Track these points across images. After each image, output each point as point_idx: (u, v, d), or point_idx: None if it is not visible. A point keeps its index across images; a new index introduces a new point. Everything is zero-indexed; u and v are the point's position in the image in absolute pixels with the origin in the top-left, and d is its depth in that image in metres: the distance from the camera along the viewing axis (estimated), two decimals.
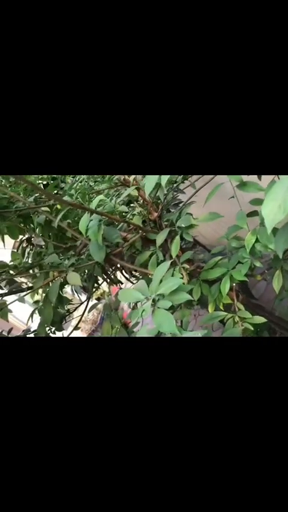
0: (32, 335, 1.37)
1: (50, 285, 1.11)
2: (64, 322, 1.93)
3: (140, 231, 1.19)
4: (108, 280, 2.12)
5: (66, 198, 1.15)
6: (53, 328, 1.73)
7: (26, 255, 1.71)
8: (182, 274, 1.10)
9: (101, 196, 0.95)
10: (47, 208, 1.40)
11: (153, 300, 0.75)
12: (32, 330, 1.40)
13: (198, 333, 0.52)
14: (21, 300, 1.27)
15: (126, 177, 1.29)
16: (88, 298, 2.00)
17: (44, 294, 1.29)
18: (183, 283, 0.88)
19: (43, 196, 1.42)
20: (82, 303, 2.21)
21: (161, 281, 0.80)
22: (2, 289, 1.36)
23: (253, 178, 1.02)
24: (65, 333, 1.84)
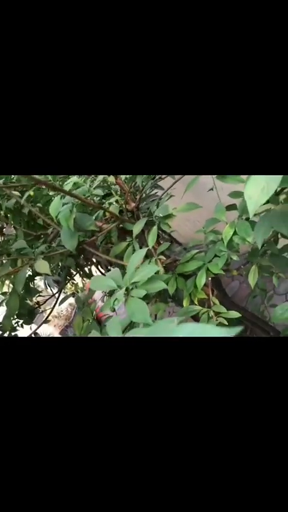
0: None
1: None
2: (36, 316, 1.84)
3: (117, 221, 1.13)
4: (81, 272, 2.05)
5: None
6: (21, 322, 1.64)
7: None
8: (158, 266, 1.06)
9: (74, 178, 0.89)
10: (17, 193, 1.31)
11: (127, 289, 0.71)
12: None
13: (174, 319, 0.48)
14: None
15: None
16: (60, 291, 1.92)
17: (11, 285, 1.20)
18: (159, 273, 0.84)
19: (12, 177, 1.33)
20: (53, 295, 2.12)
21: (136, 270, 0.76)
22: None
23: None
24: (34, 327, 1.75)
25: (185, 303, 1.25)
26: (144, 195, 1.54)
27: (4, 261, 1.03)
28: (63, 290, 1.96)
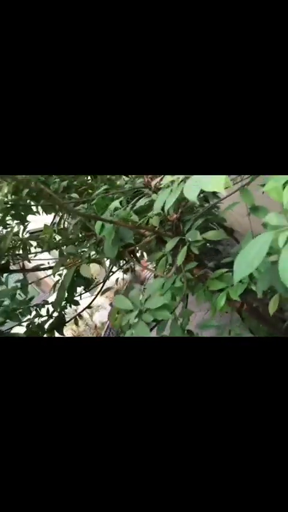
0: (50, 306, 1.56)
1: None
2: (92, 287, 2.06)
3: (154, 234, 1.27)
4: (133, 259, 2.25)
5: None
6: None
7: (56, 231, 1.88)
8: (182, 282, 1.18)
9: (116, 203, 1.04)
10: (76, 195, 1.53)
11: (140, 312, 0.87)
12: (50, 301, 1.59)
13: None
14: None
15: (149, 179, 1.36)
16: (109, 273, 2.17)
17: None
18: (170, 301, 0.97)
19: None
20: (106, 277, 2.41)
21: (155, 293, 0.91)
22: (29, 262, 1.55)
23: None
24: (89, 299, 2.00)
25: (211, 313, 1.36)
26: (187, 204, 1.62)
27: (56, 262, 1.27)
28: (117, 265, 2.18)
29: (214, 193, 1.62)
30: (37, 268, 1.56)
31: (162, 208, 0.81)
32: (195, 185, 0.60)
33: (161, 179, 1.30)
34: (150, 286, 0.92)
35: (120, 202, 1.09)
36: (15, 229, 1.48)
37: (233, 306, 1.36)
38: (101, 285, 2.01)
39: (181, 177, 0.74)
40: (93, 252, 1.42)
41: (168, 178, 0.81)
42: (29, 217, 1.64)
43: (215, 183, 0.57)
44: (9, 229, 1.39)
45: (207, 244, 1.89)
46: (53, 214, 1.88)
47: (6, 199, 1.31)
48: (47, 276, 2.54)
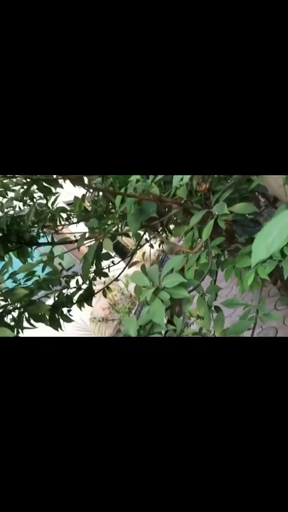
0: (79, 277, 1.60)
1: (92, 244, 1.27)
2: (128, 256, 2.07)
3: (180, 207, 1.21)
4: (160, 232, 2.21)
5: None
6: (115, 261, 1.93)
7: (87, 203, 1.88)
8: (207, 258, 1.12)
9: (136, 176, 0.99)
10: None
11: (157, 289, 0.84)
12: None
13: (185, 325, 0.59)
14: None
15: None
16: (137, 246, 2.16)
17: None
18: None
19: None
20: (135, 250, 2.40)
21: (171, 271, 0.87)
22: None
23: None
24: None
25: (241, 291, 1.30)
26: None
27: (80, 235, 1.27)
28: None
29: None
30: (64, 241, 1.59)
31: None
32: None
33: None
34: (168, 263, 0.88)
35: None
36: (43, 201, 1.50)
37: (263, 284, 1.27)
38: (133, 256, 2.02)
39: None
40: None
41: None
42: (65, 189, 1.63)
43: None
44: (32, 204, 1.41)
45: (247, 215, 1.76)
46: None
47: None
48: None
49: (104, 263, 1.66)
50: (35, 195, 1.53)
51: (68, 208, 1.85)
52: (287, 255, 0.96)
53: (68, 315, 1.49)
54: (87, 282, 1.52)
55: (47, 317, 1.43)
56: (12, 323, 1.23)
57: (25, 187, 1.38)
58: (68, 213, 1.83)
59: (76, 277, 1.63)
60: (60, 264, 1.63)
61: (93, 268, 1.55)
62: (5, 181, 1.46)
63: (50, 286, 1.47)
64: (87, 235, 1.38)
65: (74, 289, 1.53)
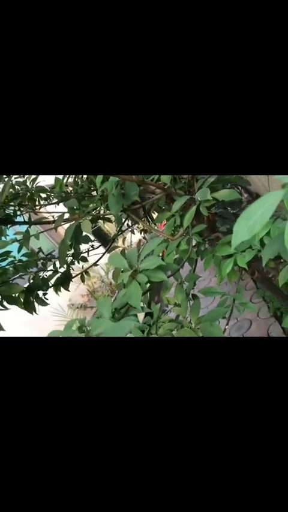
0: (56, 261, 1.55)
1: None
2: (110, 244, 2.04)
3: (163, 192, 1.18)
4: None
5: None
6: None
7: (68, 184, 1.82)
8: (188, 245, 1.11)
9: None
10: None
11: (135, 271, 0.82)
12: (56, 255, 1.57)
13: (132, 323, 0.57)
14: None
15: None
16: (118, 231, 2.13)
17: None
18: (172, 259, 0.91)
19: None
20: (115, 235, 2.37)
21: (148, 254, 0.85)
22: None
23: None
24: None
25: (219, 280, 1.30)
26: None
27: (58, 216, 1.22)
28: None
29: None
30: (41, 222, 1.53)
31: None
32: None
33: None
34: (147, 245, 0.86)
35: None
36: (23, 180, 1.43)
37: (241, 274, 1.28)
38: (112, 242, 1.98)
39: None
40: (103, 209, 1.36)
41: None
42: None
43: None
44: (6, 180, 1.34)
45: (228, 208, 1.76)
46: None
47: None
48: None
49: (83, 247, 1.62)
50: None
51: (49, 189, 1.78)
52: (266, 244, 0.96)
53: (43, 298, 1.45)
54: (65, 266, 1.47)
55: (21, 299, 1.38)
56: None
57: None
58: (48, 193, 1.76)
59: (53, 260, 1.58)
60: (39, 248, 1.57)
61: (72, 251, 1.50)
62: None
63: (26, 268, 1.41)
64: (66, 216, 1.33)
65: (51, 272, 1.48)
